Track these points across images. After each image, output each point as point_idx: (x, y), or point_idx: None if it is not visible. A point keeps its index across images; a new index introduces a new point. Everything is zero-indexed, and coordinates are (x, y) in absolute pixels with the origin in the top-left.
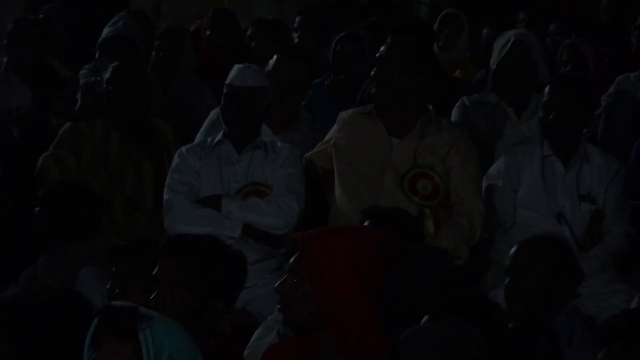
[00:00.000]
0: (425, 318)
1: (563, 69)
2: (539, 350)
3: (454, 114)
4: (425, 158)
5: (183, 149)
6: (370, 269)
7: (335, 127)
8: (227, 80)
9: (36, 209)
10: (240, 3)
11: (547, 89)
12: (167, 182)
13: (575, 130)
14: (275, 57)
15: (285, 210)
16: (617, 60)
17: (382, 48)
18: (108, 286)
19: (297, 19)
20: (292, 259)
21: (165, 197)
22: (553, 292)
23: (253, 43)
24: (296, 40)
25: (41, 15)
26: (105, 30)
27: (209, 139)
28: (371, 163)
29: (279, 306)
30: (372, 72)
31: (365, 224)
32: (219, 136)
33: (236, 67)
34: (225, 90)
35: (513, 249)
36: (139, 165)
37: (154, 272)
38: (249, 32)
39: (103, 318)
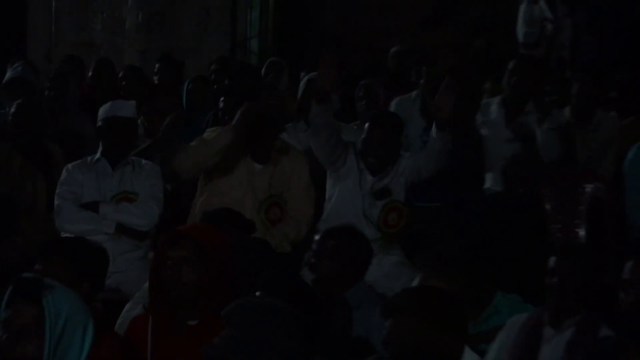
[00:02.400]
0: (257, 294)
1: (359, 103)
2: (336, 315)
3: None
4: (278, 186)
5: (69, 165)
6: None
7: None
8: (102, 115)
9: None
10: (111, 53)
11: (366, 126)
12: (57, 191)
13: (389, 151)
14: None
15: (148, 213)
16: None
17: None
18: None
19: (157, 65)
20: (176, 250)
21: (56, 203)
22: (349, 269)
23: (124, 82)
24: (156, 81)
25: None
26: (8, 74)
27: (89, 158)
28: (236, 186)
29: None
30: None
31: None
32: (97, 155)
33: (109, 103)
34: (100, 124)
35: (318, 235)
36: (34, 179)
37: (38, 267)
38: (121, 74)
39: (15, 285)
